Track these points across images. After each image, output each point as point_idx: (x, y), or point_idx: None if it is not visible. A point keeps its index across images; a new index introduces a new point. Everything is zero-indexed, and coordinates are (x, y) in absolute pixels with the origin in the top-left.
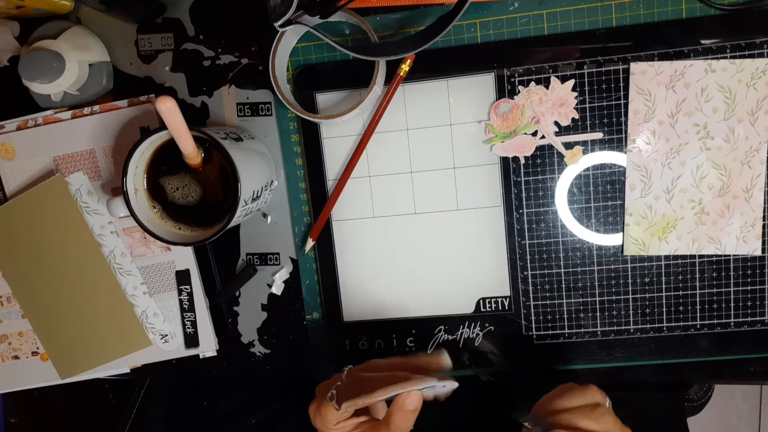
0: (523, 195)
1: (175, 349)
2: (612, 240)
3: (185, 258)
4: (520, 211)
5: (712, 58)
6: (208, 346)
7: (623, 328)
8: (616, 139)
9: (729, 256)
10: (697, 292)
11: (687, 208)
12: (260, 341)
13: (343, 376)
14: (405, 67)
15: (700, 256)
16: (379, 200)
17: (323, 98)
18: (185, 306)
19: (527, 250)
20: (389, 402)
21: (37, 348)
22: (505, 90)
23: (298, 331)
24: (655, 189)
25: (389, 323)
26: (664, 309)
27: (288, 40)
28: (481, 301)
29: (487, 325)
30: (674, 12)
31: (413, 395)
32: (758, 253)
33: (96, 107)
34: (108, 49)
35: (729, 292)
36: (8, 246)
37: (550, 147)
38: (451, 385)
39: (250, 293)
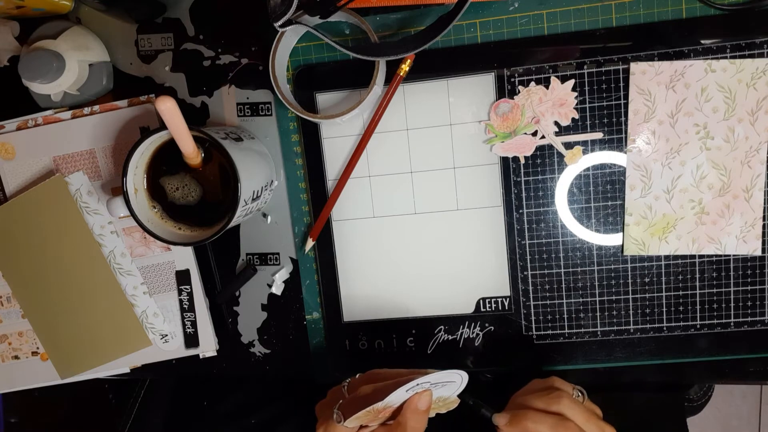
0: (523, 195)
1: (175, 349)
2: (612, 240)
3: (185, 258)
4: (520, 211)
5: (712, 58)
6: (208, 346)
7: (623, 328)
8: (616, 139)
9: (729, 256)
10: (697, 292)
11: (687, 208)
12: (260, 341)
13: (344, 391)
14: (405, 67)
15: (700, 256)
16: (379, 200)
17: (323, 98)
18: (185, 306)
19: (527, 250)
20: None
21: (37, 348)
22: (505, 90)
23: (298, 331)
24: (655, 189)
25: (389, 323)
26: (664, 309)
27: (288, 40)
28: (481, 301)
29: (487, 325)
30: (674, 12)
31: (424, 395)
32: (758, 253)
33: (96, 107)
34: (108, 49)
35: (729, 292)
36: (8, 246)
37: (550, 147)
38: (458, 380)
39: (250, 293)
